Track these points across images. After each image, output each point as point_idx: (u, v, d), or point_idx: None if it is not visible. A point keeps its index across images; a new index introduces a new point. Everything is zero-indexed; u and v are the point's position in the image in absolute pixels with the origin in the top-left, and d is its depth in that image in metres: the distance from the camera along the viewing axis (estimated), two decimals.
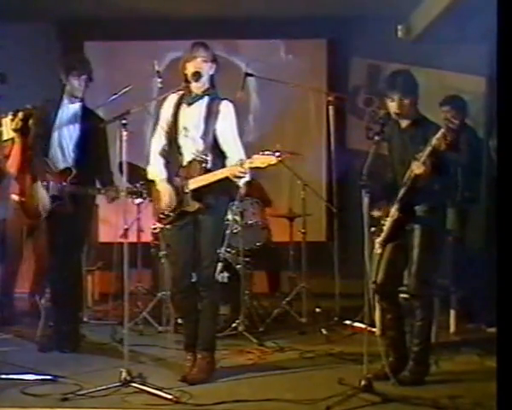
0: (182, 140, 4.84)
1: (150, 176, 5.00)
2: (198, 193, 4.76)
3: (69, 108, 5.55)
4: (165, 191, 4.83)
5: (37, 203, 5.43)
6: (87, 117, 5.56)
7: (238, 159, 4.67)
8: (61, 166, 5.46)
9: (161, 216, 4.90)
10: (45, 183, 5.40)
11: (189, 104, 4.86)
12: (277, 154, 4.51)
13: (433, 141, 4.47)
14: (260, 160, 4.54)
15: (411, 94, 4.73)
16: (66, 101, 5.56)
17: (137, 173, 5.99)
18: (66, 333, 5.56)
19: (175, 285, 4.98)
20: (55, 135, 5.50)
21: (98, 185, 5.57)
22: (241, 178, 4.66)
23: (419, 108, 4.84)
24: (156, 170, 4.94)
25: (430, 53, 8.01)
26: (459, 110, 6.33)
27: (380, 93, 5.13)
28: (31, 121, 5.55)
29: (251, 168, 4.59)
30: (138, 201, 5.69)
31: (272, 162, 4.52)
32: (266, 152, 4.53)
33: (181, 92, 4.90)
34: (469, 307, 6.24)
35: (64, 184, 5.36)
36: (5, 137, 5.79)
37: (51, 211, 5.40)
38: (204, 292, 4.85)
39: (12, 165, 5.66)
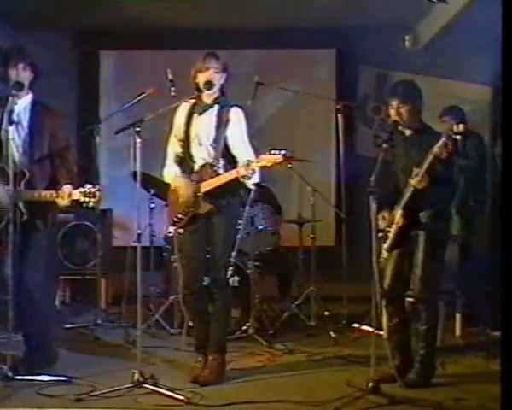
0: (194, 148, 4.93)
1: (167, 178, 5.09)
2: (209, 195, 4.82)
3: (17, 104, 4.90)
4: (182, 186, 4.92)
5: None
6: (39, 112, 4.97)
7: (246, 159, 4.71)
8: (14, 167, 4.78)
9: (175, 219, 4.95)
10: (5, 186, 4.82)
11: (200, 113, 4.94)
12: (283, 152, 4.53)
13: (435, 149, 4.54)
14: (266, 159, 4.56)
15: (409, 102, 4.78)
16: (11, 97, 4.86)
17: (149, 181, 6.11)
18: (39, 350, 5.04)
19: (186, 287, 5.02)
20: (4, 134, 4.79)
21: (53, 191, 4.82)
22: (249, 178, 4.69)
23: (425, 115, 4.90)
24: (172, 172, 5.04)
25: (437, 62, 8.10)
26: (459, 120, 6.31)
27: (385, 101, 5.22)
28: None
29: (259, 168, 4.62)
30: (91, 204, 4.75)
31: (278, 161, 4.52)
32: (272, 151, 4.55)
33: (192, 101, 4.97)
34: (475, 310, 6.27)
35: (18, 188, 4.80)
36: None
37: (8, 218, 4.74)
38: (216, 294, 4.92)
39: None
